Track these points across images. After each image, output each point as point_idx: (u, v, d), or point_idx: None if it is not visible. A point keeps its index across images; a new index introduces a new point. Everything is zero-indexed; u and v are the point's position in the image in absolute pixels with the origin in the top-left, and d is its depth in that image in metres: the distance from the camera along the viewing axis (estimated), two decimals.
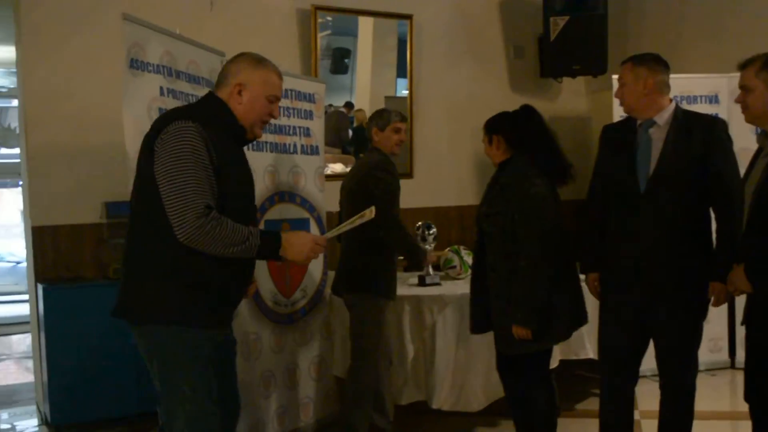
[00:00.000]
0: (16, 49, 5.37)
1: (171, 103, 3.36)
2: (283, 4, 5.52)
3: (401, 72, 6.00)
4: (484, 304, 3.52)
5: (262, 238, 2.38)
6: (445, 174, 6.30)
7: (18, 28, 4.95)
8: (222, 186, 2.35)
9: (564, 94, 6.91)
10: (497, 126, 3.51)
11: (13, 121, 10.14)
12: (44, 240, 4.73)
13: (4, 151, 11.60)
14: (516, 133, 3.46)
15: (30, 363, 7.11)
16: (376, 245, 3.85)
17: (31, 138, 4.79)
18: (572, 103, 6.93)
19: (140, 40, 3.18)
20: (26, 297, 13.72)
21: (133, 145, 3.03)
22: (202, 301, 2.37)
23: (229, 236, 2.29)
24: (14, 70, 7.72)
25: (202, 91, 3.59)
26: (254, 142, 3.87)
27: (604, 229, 3.42)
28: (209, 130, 2.34)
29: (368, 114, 5.74)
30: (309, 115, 4.36)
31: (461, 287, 4.33)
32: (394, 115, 3.96)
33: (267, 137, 4.02)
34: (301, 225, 4.26)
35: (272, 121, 4.04)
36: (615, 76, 5.44)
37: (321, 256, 4.31)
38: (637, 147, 3.31)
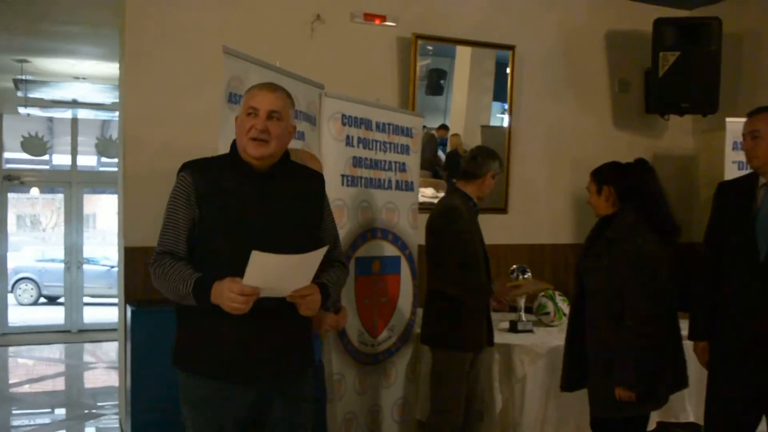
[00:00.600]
0: (120, 69, 5.49)
1: None
2: (383, 34, 5.42)
3: (498, 98, 5.80)
4: (579, 361, 3.34)
5: (194, 286, 2.28)
6: (541, 210, 6.07)
7: (123, 49, 5.01)
8: (203, 219, 2.36)
9: (670, 132, 6.58)
10: (609, 177, 3.33)
11: (114, 133, 10.36)
12: (135, 261, 4.72)
13: (105, 160, 11.89)
14: (628, 186, 3.28)
15: (116, 374, 7.26)
16: (443, 295, 3.77)
17: (129, 158, 4.82)
18: (678, 141, 6.59)
19: (240, 73, 3.12)
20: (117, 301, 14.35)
21: None
22: (192, 347, 2.44)
23: (166, 283, 2.33)
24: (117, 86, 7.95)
25: (300, 126, 3.51)
26: (348, 178, 3.86)
27: (716, 297, 3.19)
28: (207, 173, 2.40)
29: (463, 139, 5.61)
30: (405, 149, 4.23)
31: (555, 337, 4.13)
32: (499, 162, 3.88)
33: (362, 172, 3.92)
34: (392, 263, 4.13)
35: (368, 155, 4.11)
36: (730, 119, 5.28)
37: (410, 293, 4.18)
38: (758, 210, 3.06)
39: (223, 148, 2.99)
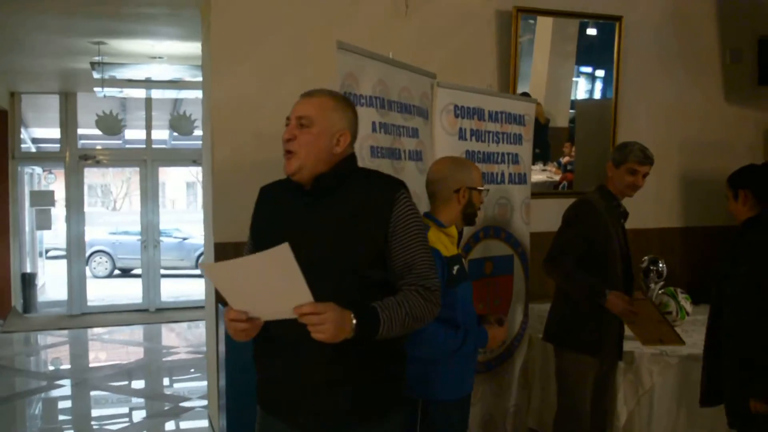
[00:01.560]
0: (203, 52, 5.24)
1: (383, 140, 3.00)
2: (481, 7, 5.04)
3: (600, 68, 5.40)
4: (719, 373, 3.06)
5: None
6: (646, 191, 5.62)
7: (207, 30, 4.75)
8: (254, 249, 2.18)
9: None
10: (745, 180, 3.09)
11: (188, 109, 10.22)
12: (227, 257, 4.50)
13: (176, 135, 11.79)
14: (765, 187, 3.05)
15: (198, 360, 7.16)
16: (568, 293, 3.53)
17: (218, 149, 4.58)
18: None
19: (354, 69, 2.83)
20: (191, 272, 14.37)
21: None
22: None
23: None
24: (196, 65, 7.77)
25: (413, 122, 3.21)
26: None
27: None
28: (268, 199, 2.28)
29: (545, 108, 5.20)
30: (518, 139, 3.89)
31: (686, 346, 3.76)
32: (634, 153, 3.46)
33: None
34: (505, 263, 3.84)
35: (481, 148, 3.79)
36: None
37: (523, 293, 3.88)
38: None
39: None
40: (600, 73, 5.47)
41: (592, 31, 5.35)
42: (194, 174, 22.19)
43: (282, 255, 1.74)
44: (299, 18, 4.45)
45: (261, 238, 2.15)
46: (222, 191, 4.58)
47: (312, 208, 2.09)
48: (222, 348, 4.31)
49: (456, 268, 2.70)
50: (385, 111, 3.01)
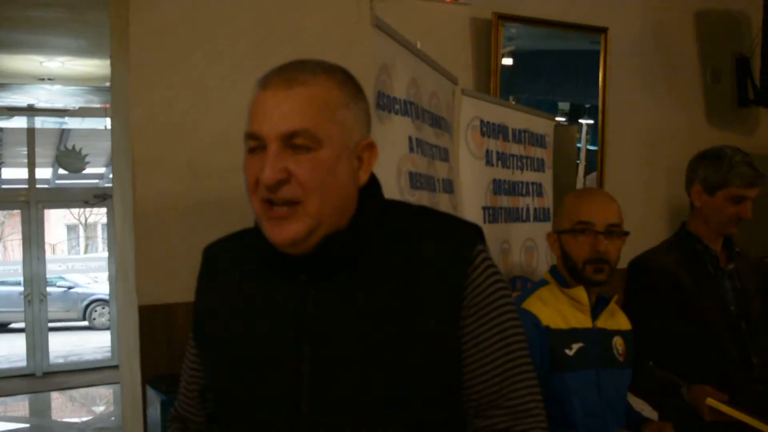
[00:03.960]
0: (113, 68, 4.26)
1: (420, 164, 2.10)
2: (455, 14, 4.28)
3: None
4: None
5: None
6: (637, 222, 4.99)
7: (121, 41, 3.78)
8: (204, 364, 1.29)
9: (762, 127, 5.66)
10: None
11: (77, 143, 9.12)
12: (155, 325, 3.50)
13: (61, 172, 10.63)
14: None
15: None
16: None
17: (141, 187, 3.56)
18: None
19: (389, 62, 1.93)
20: (78, 324, 13.18)
21: None
22: None
23: None
24: (96, 87, 6.76)
25: (443, 140, 2.35)
26: (489, 211, 2.70)
27: None
28: (220, 271, 1.29)
29: None
30: (541, 165, 3.11)
31: None
32: (740, 172, 2.28)
33: (502, 201, 2.77)
34: None
35: (506, 177, 2.90)
36: None
37: None
38: None
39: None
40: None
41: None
42: (76, 216, 20.69)
43: None
44: (243, 23, 3.53)
45: (218, 354, 1.22)
46: (148, 238, 3.56)
47: (315, 293, 1.15)
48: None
49: (577, 347, 1.89)
50: (420, 123, 2.14)
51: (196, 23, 3.58)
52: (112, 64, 4.32)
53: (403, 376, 1.09)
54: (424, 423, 1.12)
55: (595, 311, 1.96)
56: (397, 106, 1.98)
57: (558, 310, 1.91)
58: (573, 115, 4.92)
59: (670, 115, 5.15)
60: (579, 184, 4.91)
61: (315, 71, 1.15)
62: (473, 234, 1.20)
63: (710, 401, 2.05)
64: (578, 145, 4.90)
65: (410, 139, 2.04)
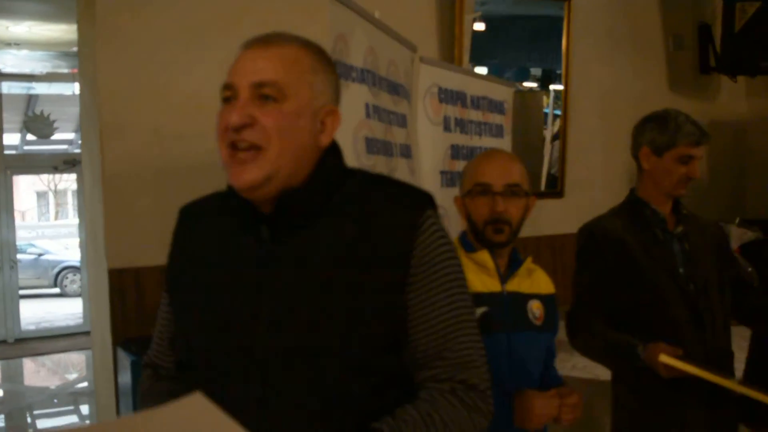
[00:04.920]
0: (79, 33, 4.25)
1: (378, 130, 2.18)
2: None
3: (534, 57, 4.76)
4: None
5: None
6: (599, 193, 5.10)
7: (82, 3, 3.79)
8: (175, 317, 1.39)
9: (723, 95, 5.76)
10: None
11: (46, 108, 9.02)
12: (125, 288, 3.56)
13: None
14: None
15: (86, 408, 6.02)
16: None
17: (110, 151, 3.59)
18: (732, 106, 5.78)
19: (346, 31, 2.00)
20: (49, 291, 13.08)
21: None
22: None
23: None
24: (63, 51, 6.69)
25: (401, 107, 2.42)
26: (447, 176, 2.79)
27: None
28: (193, 229, 1.37)
29: None
30: (499, 131, 3.19)
31: None
32: (686, 131, 2.26)
33: (459, 165, 2.85)
34: None
35: (464, 142, 2.98)
36: None
37: None
38: None
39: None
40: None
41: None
42: (45, 182, 20.41)
43: (197, 405, 0.98)
44: None
45: (187, 304, 1.32)
46: (116, 203, 3.60)
47: (275, 249, 1.24)
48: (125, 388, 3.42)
49: (480, 311, 1.79)
50: (377, 90, 2.21)
51: None
52: (78, 29, 4.30)
53: (352, 326, 1.18)
54: (372, 369, 1.21)
55: (507, 274, 1.92)
56: (354, 74, 2.05)
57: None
58: (544, 81, 4.98)
59: (633, 81, 5.22)
60: (546, 150, 4.99)
61: (292, 39, 1.27)
62: (424, 200, 1.28)
63: (663, 357, 2.06)
64: (546, 110, 4.99)
65: (367, 105, 2.12)
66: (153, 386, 1.42)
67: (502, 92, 3.21)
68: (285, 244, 1.23)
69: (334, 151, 1.30)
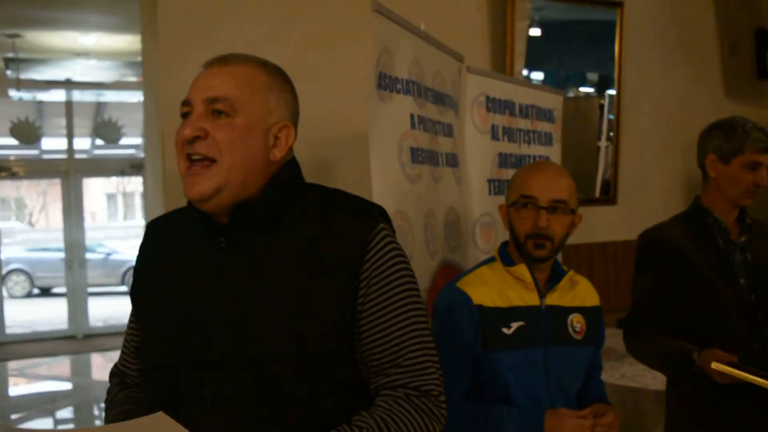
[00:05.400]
0: (143, 43, 4.44)
1: (422, 140, 2.26)
2: None
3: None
4: None
5: None
6: (652, 199, 5.09)
7: (151, 16, 3.95)
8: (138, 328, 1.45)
9: None
10: None
11: (113, 115, 9.34)
12: None
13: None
14: None
15: None
16: None
17: (170, 156, 3.75)
18: None
19: (390, 44, 2.09)
20: (117, 290, 13.47)
21: (381, 202, 2.00)
22: None
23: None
24: (129, 61, 6.94)
25: (447, 116, 2.50)
26: (495, 184, 2.85)
27: None
28: (156, 243, 1.44)
29: None
30: (548, 139, 3.23)
31: None
32: (753, 138, 2.25)
33: (508, 174, 2.90)
34: None
35: (512, 151, 2.94)
36: None
37: None
38: None
39: (377, 160, 2.02)
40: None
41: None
42: (115, 185, 21.01)
43: (161, 423, 1.04)
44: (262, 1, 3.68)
45: (148, 313, 1.39)
46: (176, 204, 3.72)
47: (230, 259, 1.30)
48: None
49: (517, 326, 1.85)
50: (423, 101, 2.29)
51: (220, 1, 3.75)
52: (142, 40, 4.49)
53: (303, 334, 1.22)
54: (325, 376, 1.25)
55: (547, 288, 1.90)
56: (399, 86, 2.13)
57: (498, 288, 1.87)
58: (601, 86, 4.98)
59: (687, 87, 5.15)
60: (601, 156, 4.99)
61: (247, 59, 1.35)
62: (377, 214, 1.34)
63: (715, 365, 2.02)
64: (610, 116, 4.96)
65: (412, 116, 2.20)
66: (118, 394, 1.46)
67: (551, 100, 3.25)
68: (240, 254, 1.28)
69: (291, 165, 1.36)
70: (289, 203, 1.31)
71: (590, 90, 4.96)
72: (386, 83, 2.07)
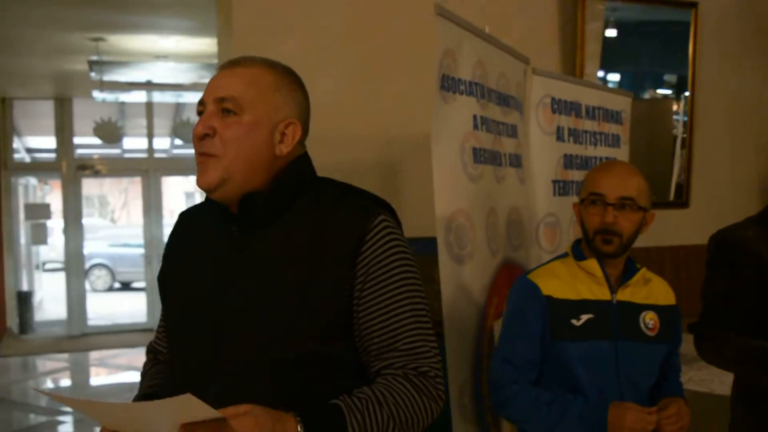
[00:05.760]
0: (219, 46, 4.57)
1: (485, 141, 2.30)
2: None
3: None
4: None
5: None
6: (726, 203, 4.97)
7: (225, 20, 4.08)
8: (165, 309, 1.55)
9: None
10: None
11: (191, 116, 9.61)
12: None
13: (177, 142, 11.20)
14: None
15: None
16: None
17: None
18: None
19: (453, 46, 2.13)
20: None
21: (443, 200, 2.04)
22: None
23: None
24: (206, 63, 7.13)
25: (511, 117, 2.52)
26: (560, 185, 2.86)
27: None
28: (183, 230, 1.57)
29: None
30: (616, 141, 3.21)
31: None
32: None
33: (573, 175, 2.91)
34: None
35: (578, 152, 2.92)
36: None
37: None
38: None
39: (440, 159, 2.07)
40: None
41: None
42: (192, 184, 21.53)
43: (188, 404, 1.10)
44: (338, 4, 3.76)
45: (168, 290, 1.50)
46: None
47: (240, 245, 1.39)
48: None
49: (586, 318, 1.89)
50: (486, 102, 2.33)
51: (293, 4, 3.85)
52: (218, 44, 4.63)
53: (303, 314, 1.30)
54: (323, 357, 1.32)
55: (619, 284, 1.93)
56: (462, 87, 2.17)
57: (569, 281, 1.91)
58: (678, 88, 4.91)
59: (763, 89, 5.02)
60: (676, 159, 4.91)
61: (256, 60, 1.44)
62: (380, 206, 1.41)
63: None
64: (676, 118, 4.89)
65: (474, 117, 2.23)
66: (150, 370, 1.59)
67: (619, 102, 3.23)
68: (249, 241, 1.37)
69: (301, 159, 1.44)
70: (296, 195, 1.39)
71: (668, 92, 4.89)
72: (449, 85, 2.11)
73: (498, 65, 2.44)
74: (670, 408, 1.82)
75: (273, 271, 1.33)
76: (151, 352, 1.64)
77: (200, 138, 1.35)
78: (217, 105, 1.36)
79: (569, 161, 2.89)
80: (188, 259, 1.46)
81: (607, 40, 4.44)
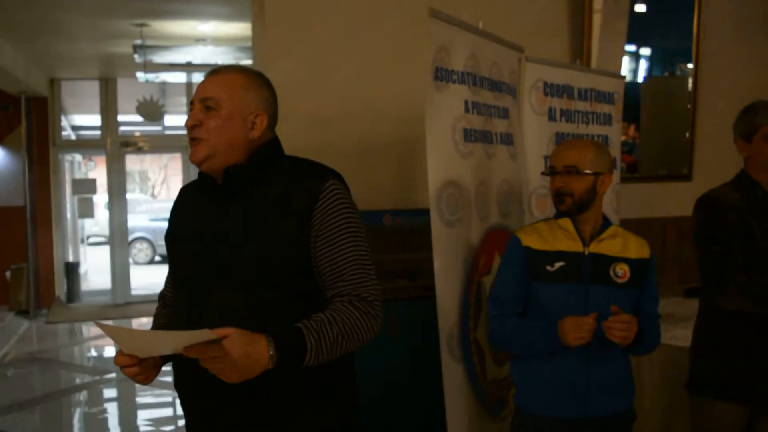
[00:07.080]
0: (253, 30, 4.92)
1: (476, 122, 2.66)
2: None
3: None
4: None
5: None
6: (730, 174, 5.20)
7: (259, 6, 4.44)
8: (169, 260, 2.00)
9: None
10: None
11: None
12: None
13: None
14: None
15: None
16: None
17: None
18: None
19: (446, 42, 2.50)
20: None
21: (436, 174, 2.41)
22: None
23: None
24: (242, 47, 7.49)
25: (503, 101, 2.88)
26: (546, 158, 3.20)
27: None
28: (185, 198, 2.00)
29: None
30: (608, 119, 3.53)
31: None
32: (764, 113, 2.59)
33: None
34: None
35: (570, 130, 3.31)
36: None
37: None
38: None
39: (433, 139, 2.44)
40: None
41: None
42: None
43: (206, 336, 1.51)
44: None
45: (172, 244, 1.94)
46: None
47: (225, 206, 1.82)
48: None
49: (560, 265, 2.22)
50: (477, 89, 2.69)
51: None
52: (253, 29, 4.97)
53: (272, 252, 1.71)
54: (288, 285, 1.73)
55: (591, 238, 2.25)
56: (454, 77, 2.53)
57: (547, 237, 2.27)
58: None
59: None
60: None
61: (232, 68, 1.87)
62: (332, 175, 1.82)
63: None
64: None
65: (466, 102, 2.60)
66: (159, 312, 2.05)
67: (611, 84, 3.54)
68: (231, 204, 1.79)
69: (272, 141, 1.87)
70: (267, 168, 1.83)
71: (691, 66, 5.02)
72: (442, 75, 2.47)
73: (491, 55, 2.80)
74: (621, 316, 2.08)
75: (251, 220, 1.76)
76: (161, 297, 2.08)
77: (191, 127, 1.80)
78: (202, 103, 1.80)
79: (561, 138, 3.23)
80: (187, 221, 1.89)
81: (636, 14, 4.68)
